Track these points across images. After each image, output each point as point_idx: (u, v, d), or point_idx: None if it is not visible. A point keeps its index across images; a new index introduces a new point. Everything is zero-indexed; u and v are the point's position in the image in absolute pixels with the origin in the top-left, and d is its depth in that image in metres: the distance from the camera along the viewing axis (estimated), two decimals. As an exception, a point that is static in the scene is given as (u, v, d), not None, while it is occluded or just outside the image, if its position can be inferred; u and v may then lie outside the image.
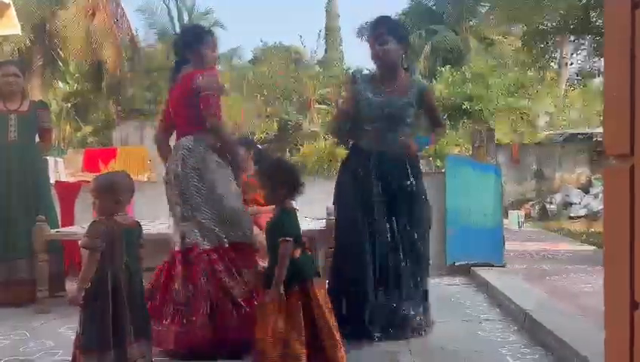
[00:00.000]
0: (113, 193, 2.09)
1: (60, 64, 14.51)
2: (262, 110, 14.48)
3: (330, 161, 11.54)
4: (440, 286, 3.96)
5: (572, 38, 11.22)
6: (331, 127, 2.88)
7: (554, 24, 10.39)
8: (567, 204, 10.41)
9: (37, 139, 3.91)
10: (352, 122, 2.90)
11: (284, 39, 24.03)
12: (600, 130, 13.65)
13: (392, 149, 2.78)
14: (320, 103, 16.16)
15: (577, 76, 19.88)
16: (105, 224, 2.05)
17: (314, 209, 3.64)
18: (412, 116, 2.88)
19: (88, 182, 4.53)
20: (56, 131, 18.20)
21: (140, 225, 2.18)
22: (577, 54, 14.75)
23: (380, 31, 2.81)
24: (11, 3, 6.03)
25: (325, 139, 14.19)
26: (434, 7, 18.62)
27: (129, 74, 13.85)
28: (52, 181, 4.57)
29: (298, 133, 14.62)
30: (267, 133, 13.32)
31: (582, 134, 13.83)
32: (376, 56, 2.83)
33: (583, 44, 11.33)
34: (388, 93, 2.82)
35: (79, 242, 2.20)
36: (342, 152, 11.77)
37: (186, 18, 20.65)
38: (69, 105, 16.43)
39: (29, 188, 3.74)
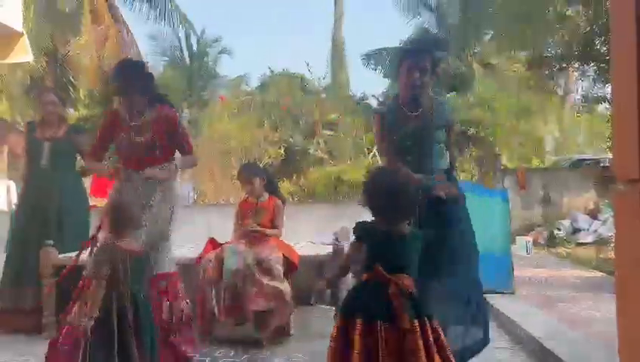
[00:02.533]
0: (121, 219, 2.12)
1: (71, 90, 14.73)
2: (269, 136, 14.55)
3: (337, 186, 11.55)
4: (448, 313, 3.91)
5: (576, 64, 11.29)
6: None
7: (558, 51, 10.48)
8: (576, 230, 10.31)
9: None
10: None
11: (291, 66, 24.27)
12: (607, 155, 13.63)
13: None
14: (326, 129, 16.26)
15: (583, 102, 19.92)
16: (109, 251, 2.05)
17: (323, 234, 3.65)
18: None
19: (96, 206, 4.57)
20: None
21: (147, 255, 2.16)
22: (582, 80, 14.82)
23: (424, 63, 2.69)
24: (24, 31, 6.16)
25: (332, 165, 14.24)
26: (438, 34, 18.84)
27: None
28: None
29: (305, 158, 14.67)
30: (274, 159, 13.37)
31: (588, 160, 13.81)
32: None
33: (587, 70, 11.39)
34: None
35: (83, 272, 2.17)
36: (349, 177, 11.83)
37: (194, 45, 21.01)
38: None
39: (52, 214, 3.78)
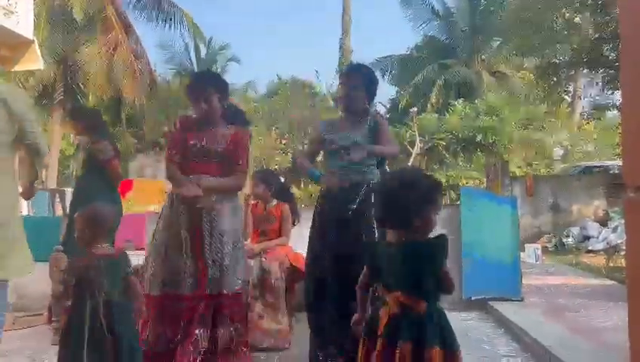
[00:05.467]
0: (90, 225, 2.14)
1: (81, 98, 14.88)
2: (276, 143, 14.62)
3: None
4: (456, 321, 3.89)
5: (585, 71, 11.26)
6: None
7: (566, 58, 10.46)
8: (585, 238, 10.23)
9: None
10: None
11: (299, 73, 24.37)
12: (616, 162, 13.54)
13: None
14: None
15: (591, 109, 19.86)
16: (79, 258, 2.11)
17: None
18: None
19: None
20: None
21: (123, 255, 2.19)
22: (591, 87, 14.78)
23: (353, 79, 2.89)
24: (35, 39, 6.25)
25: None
26: (446, 42, 18.86)
27: (147, 107, 14.15)
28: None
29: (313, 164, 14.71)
30: (282, 165, 13.41)
31: (597, 167, 13.71)
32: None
33: (596, 77, 11.36)
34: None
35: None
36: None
37: (203, 53, 21.16)
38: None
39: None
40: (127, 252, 4.01)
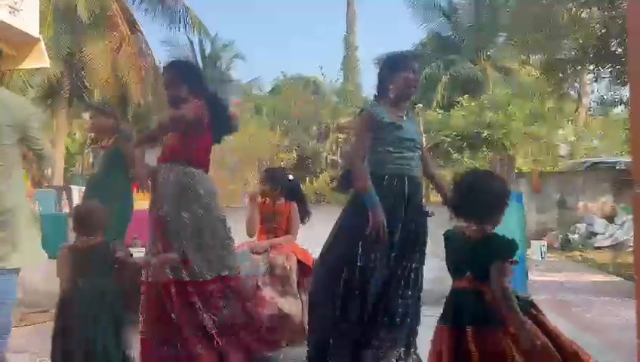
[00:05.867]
0: (75, 222, 2.40)
1: (86, 95, 14.93)
2: (281, 140, 14.61)
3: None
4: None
5: (592, 67, 11.17)
6: None
7: (573, 53, 10.38)
8: (592, 234, 10.20)
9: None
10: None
11: (304, 70, 24.35)
12: (622, 158, 13.46)
13: None
14: (339, 132, 16.30)
15: (598, 105, 19.74)
16: (64, 252, 2.35)
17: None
18: None
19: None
20: (81, 160, 18.63)
21: (104, 246, 2.34)
22: (598, 83, 14.68)
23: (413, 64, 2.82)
24: (41, 37, 6.25)
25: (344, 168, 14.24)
26: (451, 38, 18.78)
27: (152, 104, 14.18)
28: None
29: (317, 161, 14.71)
30: (286, 163, 13.41)
31: (604, 163, 13.65)
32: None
33: (603, 73, 11.27)
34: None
35: None
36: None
37: (208, 50, 21.17)
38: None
39: None
40: (134, 249, 4.04)
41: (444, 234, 2.01)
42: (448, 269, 1.96)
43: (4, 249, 2.59)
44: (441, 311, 1.90)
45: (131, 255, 2.51)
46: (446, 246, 2.00)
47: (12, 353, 3.07)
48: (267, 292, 3.37)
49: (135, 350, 2.40)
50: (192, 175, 2.83)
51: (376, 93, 2.85)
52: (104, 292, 2.25)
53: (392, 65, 2.81)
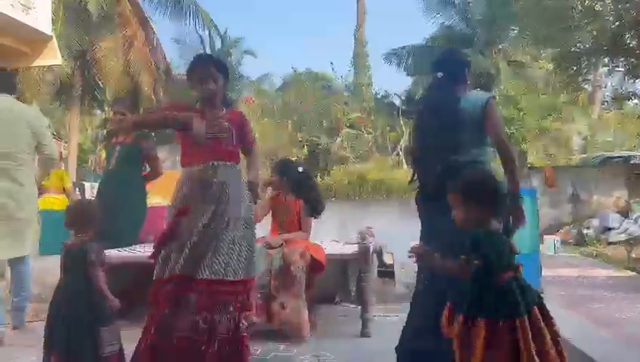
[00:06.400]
0: (66, 219, 2.43)
1: (98, 92, 15.03)
2: (292, 135, 14.60)
3: (362, 184, 11.51)
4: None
5: (605, 60, 11.02)
6: None
7: (586, 46, 10.25)
8: (605, 229, 10.08)
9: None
10: None
11: (314, 66, 24.31)
12: (637, 152, 13.29)
13: None
14: (349, 128, 16.26)
15: (612, 98, 19.49)
16: (62, 248, 2.40)
17: (347, 232, 3.64)
18: None
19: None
20: (94, 157, 18.77)
21: (81, 246, 2.33)
22: (611, 76, 14.47)
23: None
24: (53, 35, 6.29)
25: (355, 163, 14.19)
26: (462, 31, 18.61)
27: (164, 101, 14.23)
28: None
29: (328, 157, 14.69)
30: (297, 158, 13.41)
31: (618, 157, 13.48)
32: None
33: (617, 66, 11.11)
34: None
35: None
36: (374, 176, 11.75)
37: (218, 46, 21.17)
38: (105, 131, 16.94)
39: (115, 211, 4.00)
40: (147, 245, 4.06)
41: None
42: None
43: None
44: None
45: (103, 258, 2.41)
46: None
47: (24, 347, 3.11)
48: (278, 299, 3.40)
49: (114, 348, 2.34)
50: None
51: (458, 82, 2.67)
52: (82, 291, 2.26)
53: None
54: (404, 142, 15.55)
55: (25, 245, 3.51)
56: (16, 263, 3.55)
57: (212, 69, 2.75)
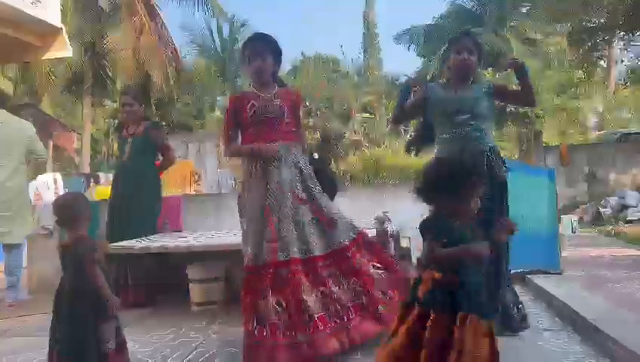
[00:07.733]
0: (57, 219, 2.30)
1: (108, 83, 15.07)
2: (304, 121, 14.58)
3: (377, 169, 11.47)
4: (494, 295, 3.83)
5: (622, 34, 10.77)
6: None
7: (602, 21, 10.03)
8: (624, 207, 9.95)
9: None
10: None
11: (323, 49, 24.09)
12: (655, 128, 13.05)
13: None
14: (361, 111, 16.16)
15: (629, 74, 19.10)
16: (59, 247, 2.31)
17: (363, 218, 3.60)
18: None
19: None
20: (104, 147, 18.90)
21: (75, 244, 2.21)
22: (627, 51, 14.17)
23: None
24: (63, 27, 6.28)
25: (368, 147, 14.12)
26: (473, 9, 18.31)
27: (174, 89, 14.24)
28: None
29: (341, 142, 14.63)
30: (310, 144, 13.38)
31: (635, 133, 13.25)
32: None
33: (633, 40, 10.86)
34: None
35: None
36: (389, 162, 11.70)
37: (226, 32, 21.08)
38: (116, 121, 17.02)
39: (127, 205, 4.14)
40: (164, 233, 4.04)
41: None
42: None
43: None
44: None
45: (96, 254, 2.26)
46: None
47: (36, 337, 3.15)
48: None
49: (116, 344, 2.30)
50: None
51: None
52: (81, 290, 2.18)
53: None
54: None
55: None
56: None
57: (262, 47, 2.83)
